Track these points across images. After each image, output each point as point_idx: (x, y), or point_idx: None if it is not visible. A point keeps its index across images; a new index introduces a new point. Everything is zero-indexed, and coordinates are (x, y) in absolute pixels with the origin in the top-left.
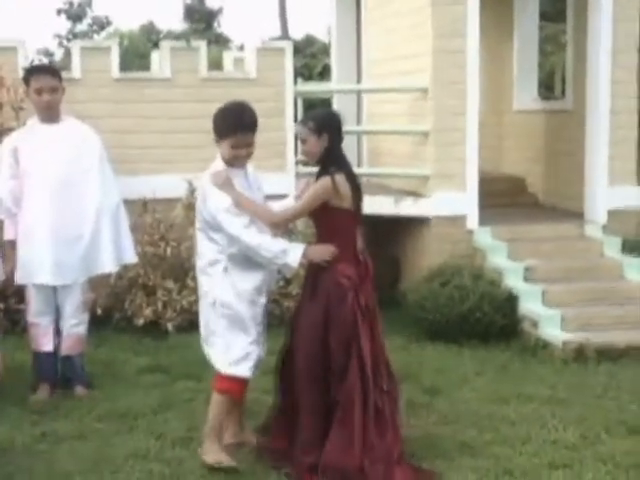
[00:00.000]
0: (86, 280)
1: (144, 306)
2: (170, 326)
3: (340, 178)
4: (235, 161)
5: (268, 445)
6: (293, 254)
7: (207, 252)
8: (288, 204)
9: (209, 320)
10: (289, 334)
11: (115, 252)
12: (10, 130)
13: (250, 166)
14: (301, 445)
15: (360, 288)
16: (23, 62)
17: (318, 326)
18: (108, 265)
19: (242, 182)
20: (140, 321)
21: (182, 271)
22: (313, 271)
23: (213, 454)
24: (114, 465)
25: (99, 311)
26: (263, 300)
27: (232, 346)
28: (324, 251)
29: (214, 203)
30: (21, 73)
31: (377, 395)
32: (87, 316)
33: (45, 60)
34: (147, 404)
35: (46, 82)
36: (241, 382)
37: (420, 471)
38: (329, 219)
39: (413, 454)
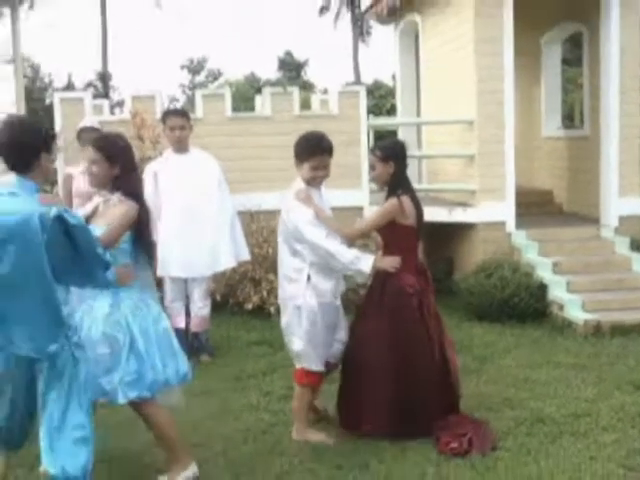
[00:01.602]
0: (211, 274)
1: (252, 294)
2: (272, 310)
3: (405, 199)
4: (313, 181)
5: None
6: (365, 261)
7: (291, 261)
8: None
9: (292, 322)
10: (353, 333)
11: (234, 252)
12: (150, 159)
13: (323, 187)
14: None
15: (422, 295)
16: (159, 107)
17: (385, 331)
18: (229, 262)
19: (318, 200)
20: (249, 306)
21: None
22: (379, 279)
23: (310, 437)
24: (234, 414)
25: (218, 298)
26: (338, 302)
27: (312, 346)
28: (392, 261)
29: (298, 215)
30: (158, 115)
31: (444, 376)
32: (210, 301)
33: (178, 105)
34: (256, 369)
35: (177, 122)
36: (320, 375)
37: (473, 420)
38: (395, 234)
39: (467, 407)
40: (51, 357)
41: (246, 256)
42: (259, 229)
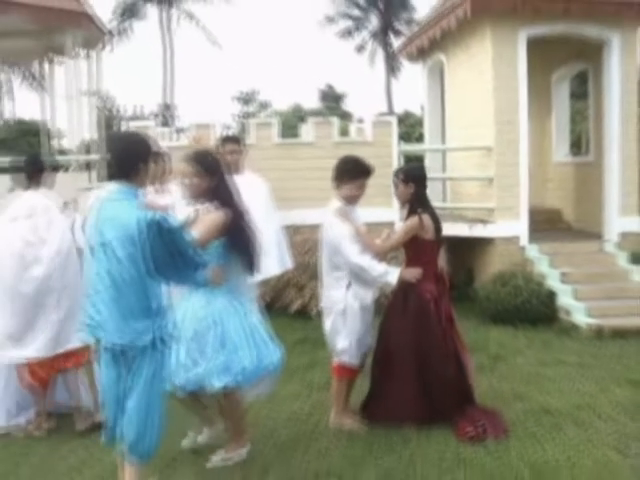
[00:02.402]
0: (259, 281)
1: (295, 298)
2: (313, 313)
3: (425, 217)
4: (353, 200)
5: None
6: (392, 274)
7: (332, 271)
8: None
9: (337, 324)
10: (381, 334)
11: (279, 261)
12: None
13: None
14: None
15: (439, 299)
16: (216, 134)
17: (408, 331)
18: (275, 270)
19: (354, 217)
20: (293, 309)
21: None
22: (403, 287)
23: (345, 423)
24: (280, 401)
25: (265, 301)
26: (372, 307)
27: (355, 344)
28: (414, 272)
29: (338, 231)
30: (214, 141)
31: (458, 371)
32: (258, 305)
33: (232, 132)
34: (300, 364)
35: (232, 147)
36: (355, 370)
37: (487, 410)
38: (416, 248)
39: (482, 399)
40: (142, 349)
41: (290, 265)
42: (302, 241)
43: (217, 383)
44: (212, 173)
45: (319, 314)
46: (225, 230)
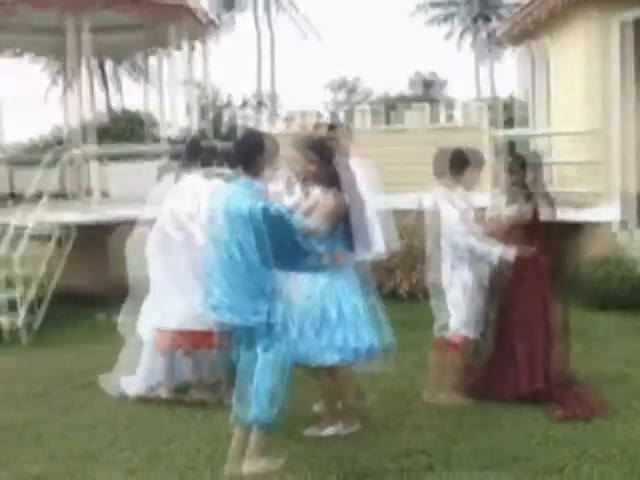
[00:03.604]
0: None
1: (387, 281)
2: (405, 294)
3: (525, 207)
4: (472, 185)
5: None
6: (500, 252)
7: (439, 252)
8: None
9: (441, 301)
10: (504, 302)
11: (374, 244)
12: None
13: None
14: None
15: (541, 279)
16: (320, 121)
17: (510, 310)
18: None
19: (467, 202)
20: (384, 291)
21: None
22: (508, 266)
23: (440, 400)
24: (376, 378)
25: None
26: (476, 286)
27: (456, 321)
28: (523, 250)
29: (450, 214)
30: (310, 127)
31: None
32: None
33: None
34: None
35: (334, 133)
36: (458, 346)
37: (579, 394)
38: (517, 231)
39: (585, 381)
40: (262, 328)
41: (383, 248)
42: (398, 226)
43: (328, 360)
44: (325, 159)
45: (410, 296)
46: (342, 216)
